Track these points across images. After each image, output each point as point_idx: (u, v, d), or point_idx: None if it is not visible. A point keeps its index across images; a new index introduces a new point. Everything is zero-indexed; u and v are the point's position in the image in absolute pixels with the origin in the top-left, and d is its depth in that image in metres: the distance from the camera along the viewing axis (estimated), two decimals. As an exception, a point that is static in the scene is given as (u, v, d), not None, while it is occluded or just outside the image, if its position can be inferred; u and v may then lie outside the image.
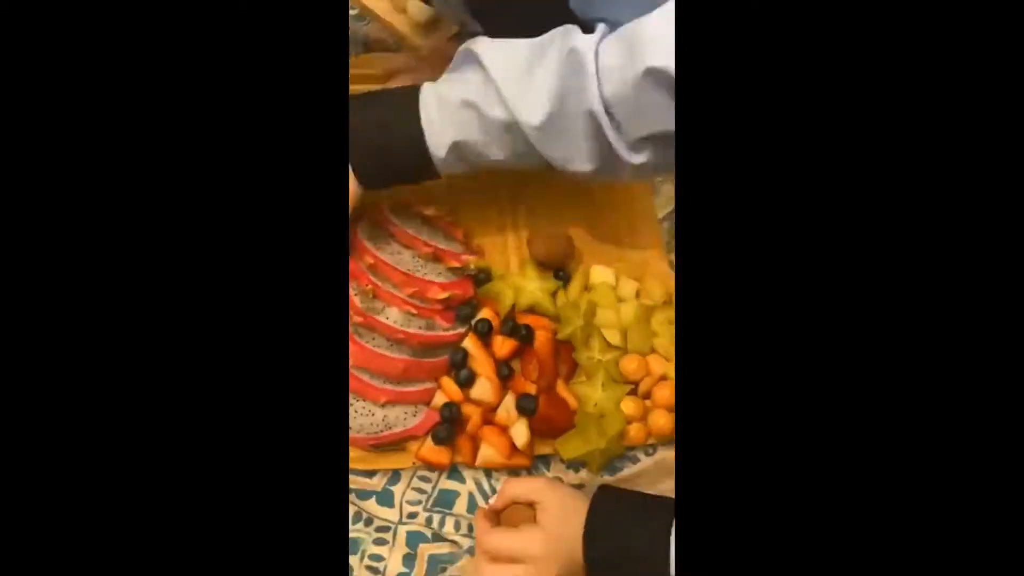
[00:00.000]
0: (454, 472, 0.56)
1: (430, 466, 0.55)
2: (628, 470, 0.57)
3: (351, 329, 0.56)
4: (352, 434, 0.54)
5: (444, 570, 0.52)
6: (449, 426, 0.54)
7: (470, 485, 0.55)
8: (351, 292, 0.57)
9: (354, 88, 0.48)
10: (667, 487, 0.56)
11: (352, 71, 0.71)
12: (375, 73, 0.71)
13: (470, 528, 0.53)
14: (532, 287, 0.61)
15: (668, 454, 0.57)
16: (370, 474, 0.55)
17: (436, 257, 0.60)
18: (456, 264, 0.60)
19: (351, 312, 0.56)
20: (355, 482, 0.55)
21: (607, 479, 0.56)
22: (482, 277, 0.61)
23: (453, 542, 0.53)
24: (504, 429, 0.55)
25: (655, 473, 0.57)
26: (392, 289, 0.58)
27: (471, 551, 0.52)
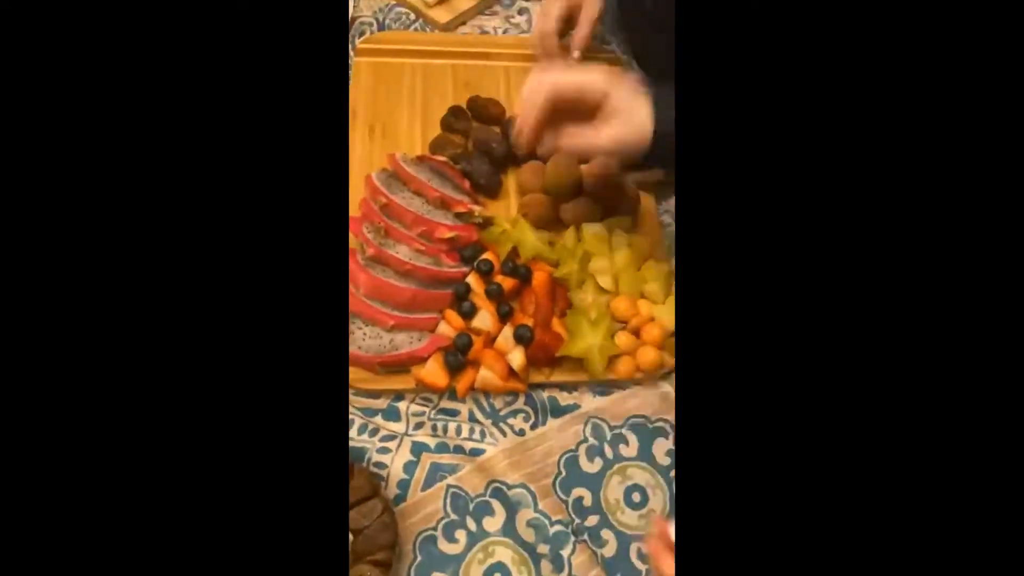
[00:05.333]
0: (453, 395, 0.59)
1: (428, 388, 0.59)
2: (618, 394, 0.61)
3: (363, 262, 0.61)
4: (361, 353, 0.58)
5: (443, 478, 0.55)
6: (462, 355, 0.58)
7: (469, 404, 0.59)
8: (364, 229, 0.62)
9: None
10: (653, 411, 0.60)
11: (368, 46, 0.78)
12: (387, 48, 0.78)
13: (477, 432, 0.57)
14: (531, 238, 0.66)
15: (660, 384, 0.62)
16: (375, 395, 0.59)
17: (444, 203, 0.65)
18: (462, 210, 0.65)
19: (364, 246, 0.61)
20: (360, 402, 0.58)
21: (599, 400, 0.60)
22: (486, 225, 0.66)
23: (459, 449, 0.56)
24: (502, 355, 0.59)
25: (643, 397, 0.61)
26: (402, 228, 0.63)
27: (475, 461, 0.56)
